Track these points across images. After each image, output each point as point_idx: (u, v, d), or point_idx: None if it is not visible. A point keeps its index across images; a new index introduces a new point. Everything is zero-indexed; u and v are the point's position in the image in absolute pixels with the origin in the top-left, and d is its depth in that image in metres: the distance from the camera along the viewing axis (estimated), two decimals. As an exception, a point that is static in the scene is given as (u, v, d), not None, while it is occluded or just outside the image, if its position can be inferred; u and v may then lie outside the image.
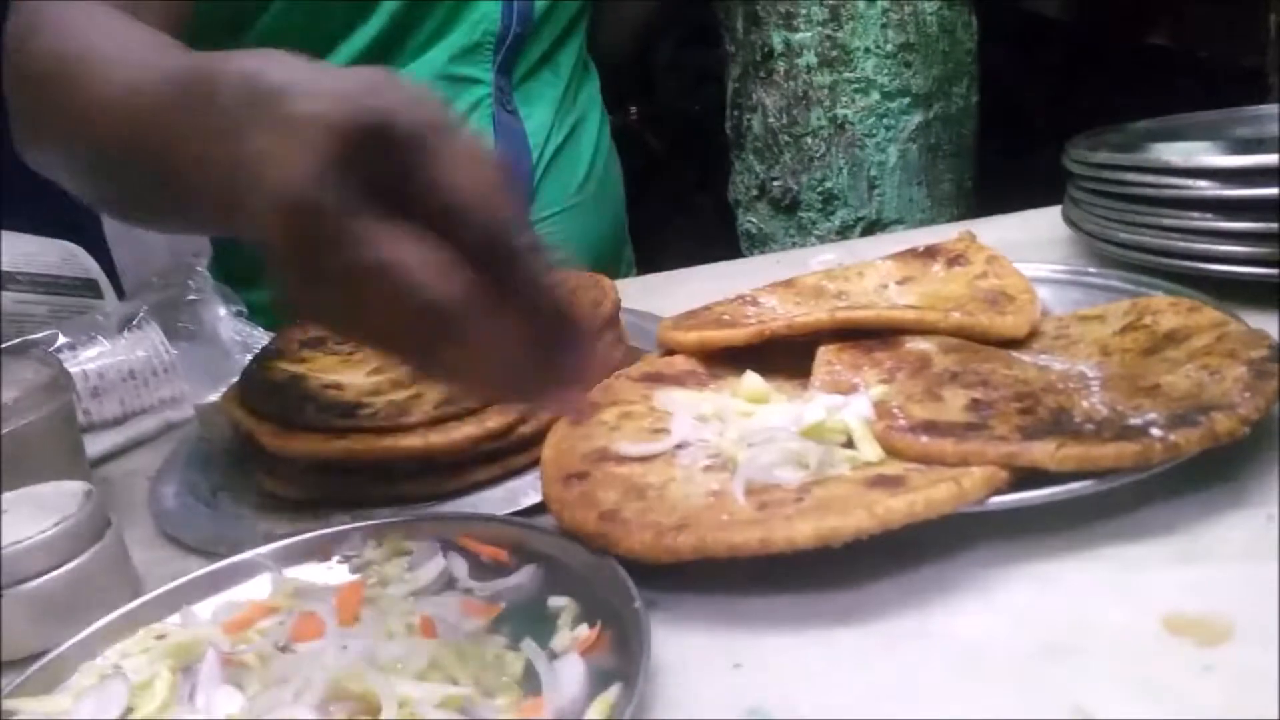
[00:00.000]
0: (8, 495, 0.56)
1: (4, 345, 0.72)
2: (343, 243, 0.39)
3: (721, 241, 1.27)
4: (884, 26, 1.07)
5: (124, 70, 0.58)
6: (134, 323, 0.78)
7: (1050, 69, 2.20)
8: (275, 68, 0.43)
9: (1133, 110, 0.94)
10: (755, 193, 1.17)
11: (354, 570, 0.55)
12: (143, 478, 0.72)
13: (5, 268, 0.77)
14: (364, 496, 0.63)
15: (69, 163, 0.68)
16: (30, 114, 0.71)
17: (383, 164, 0.39)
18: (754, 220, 1.19)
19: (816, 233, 1.14)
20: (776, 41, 1.10)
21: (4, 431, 0.59)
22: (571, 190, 1.06)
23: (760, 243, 1.19)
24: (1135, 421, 0.50)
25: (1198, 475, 0.51)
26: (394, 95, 0.40)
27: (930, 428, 0.52)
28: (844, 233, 1.13)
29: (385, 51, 0.95)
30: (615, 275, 1.11)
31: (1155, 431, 0.49)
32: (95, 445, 0.75)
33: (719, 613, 0.49)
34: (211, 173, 0.45)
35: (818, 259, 0.93)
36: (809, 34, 1.08)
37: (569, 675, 0.44)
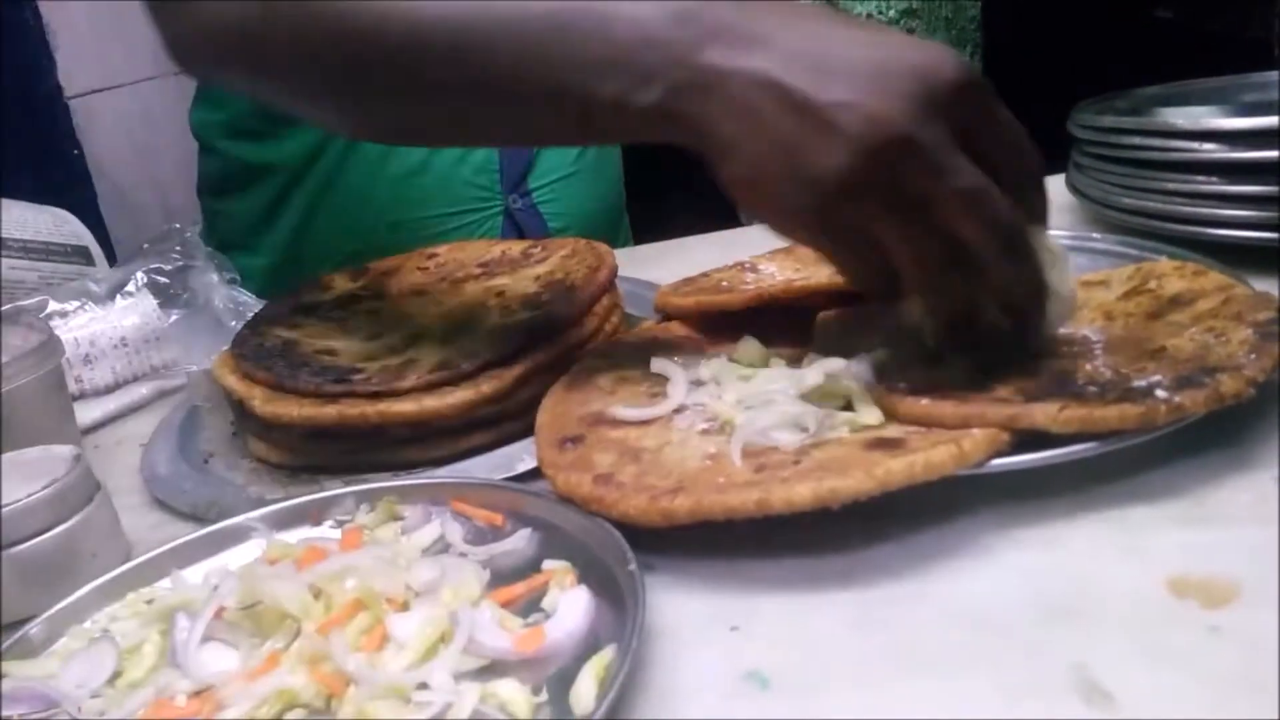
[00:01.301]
0: (-5, 459, 0.56)
1: (-4, 311, 0.71)
2: (944, 169, 0.47)
3: (720, 208, 1.26)
4: (886, -8, 1.05)
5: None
6: (126, 289, 0.77)
7: (1055, 41, 2.18)
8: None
9: (1137, 82, 0.92)
10: (755, 162, 1.16)
11: (346, 535, 0.55)
12: (135, 444, 0.71)
13: (-4, 233, 0.76)
14: (357, 462, 0.62)
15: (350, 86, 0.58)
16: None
17: (956, 111, 0.47)
18: (754, 190, 1.17)
19: (817, 202, 1.13)
20: (777, 7, 1.08)
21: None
22: (571, 158, 1.05)
23: (760, 212, 1.17)
24: (1139, 383, 0.50)
25: (1202, 438, 0.50)
26: (953, 58, 0.49)
27: (931, 390, 0.51)
28: (845, 202, 1.12)
29: None
30: (612, 245, 1.10)
31: (1160, 393, 0.48)
32: (87, 412, 0.75)
33: (716, 576, 0.48)
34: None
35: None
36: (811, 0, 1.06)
37: (573, 606, 0.44)
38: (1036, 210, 0.53)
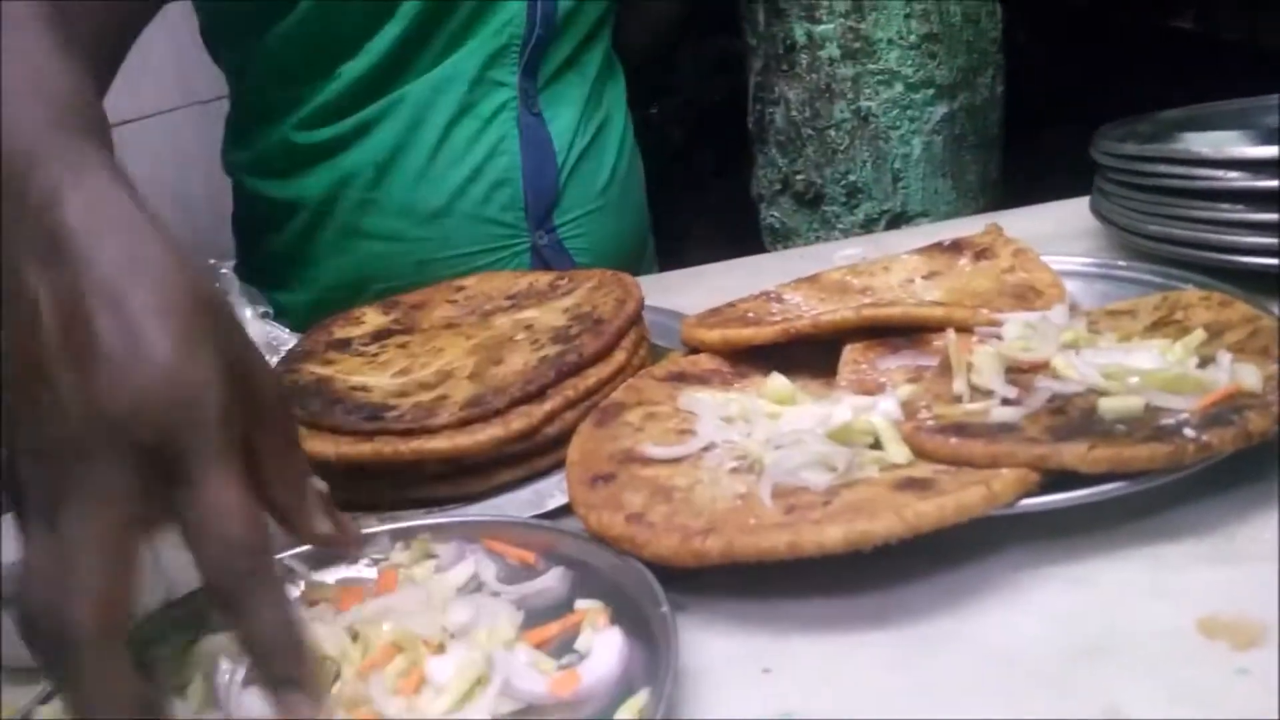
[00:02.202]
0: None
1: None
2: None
3: (742, 232, 1.27)
4: (907, 17, 1.06)
5: None
6: (161, 326, 0.78)
7: (1073, 54, 2.18)
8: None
9: (1158, 95, 0.93)
10: (778, 187, 1.16)
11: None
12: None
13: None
14: (390, 499, 0.63)
15: None
16: None
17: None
18: (777, 215, 1.18)
19: (840, 226, 1.13)
20: (799, 34, 1.09)
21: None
22: (595, 193, 1.05)
23: (783, 237, 1.18)
24: (1167, 422, 0.50)
25: (1231, 474, 0.50)
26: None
27: (960, 429, 0.51)
28: (868, 226, 1.12)
29: (407, 54, 0.95)
30: (637, 272, 1.11)
31: (1188, 432, 0.48)
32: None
33: (748, 616, 0.49)
34: None
35: (841, 254, 0.92)
36: (831, 25, 1.07)
37: (607, 648, 0.45)
38: None
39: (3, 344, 0.40)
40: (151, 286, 0.40)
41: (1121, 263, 0.76)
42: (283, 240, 1.03)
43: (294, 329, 0.86)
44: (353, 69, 0.95)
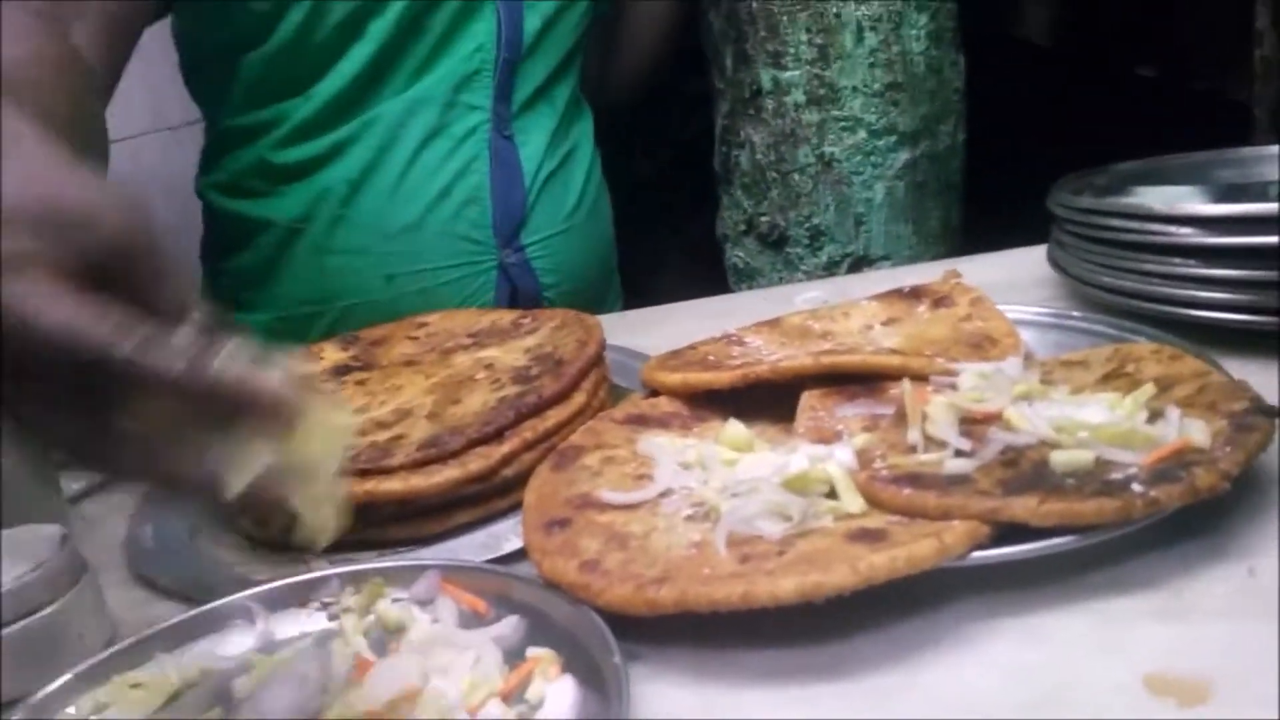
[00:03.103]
0: (-18, 539, 0.56)
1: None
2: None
3: (710, 269, 1.28)
4: (871, 66, 1.07)
5: None
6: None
7: (1038, 99, 2.21)
8: None
9: (1121, 143, 0.94)
10: (743, 228, 1.17)
11: (331, 618, 0.55)
12: (123, 515, 0.71)
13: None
14: (343, 538, 0.62)
15: None
16: None
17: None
18: (741, 255, 1.19)
19: (804, 268, 1.14)
20: (765, 79, 1.10)
21: (-20, 472, 0.59)
22: (562, 216, 1.07)
23: (747, 276, 1.19)
24: (1116, 476, 0.50)
25: (1179, 528, 0.51)
26: None
27: (913, 480, 0.52)
28: (831, 269, 1.13)
29: (380, 73, 0.97)
30: (603, 305, 1.12)
31: (1136, 487, 0.49)
32: (74, 481, 0.75)
33: (702, 666, 0.49)
34: None
35: (803, 296, 0.93)
36: (797, 72, 1.08)
37: (560, 699, 0.45)
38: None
39: None
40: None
41: (1076, 313, 0.77)
42: (252, 259, 1.04)
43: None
44: (326, 88, 0.97)
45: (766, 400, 0.67)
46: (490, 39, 0.99)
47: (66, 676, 0.50)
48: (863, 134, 1.09)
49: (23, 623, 0.52)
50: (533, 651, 0.49)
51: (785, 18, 1.08)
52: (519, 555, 0.58)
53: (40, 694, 0.49)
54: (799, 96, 1.09)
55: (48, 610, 0.53)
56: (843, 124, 1.09)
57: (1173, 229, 0.73)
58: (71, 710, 0.49)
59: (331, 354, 0.81)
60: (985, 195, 1.29)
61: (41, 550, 0.54)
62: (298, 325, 1.02)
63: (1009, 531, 0.49)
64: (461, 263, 1.02)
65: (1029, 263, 0.92)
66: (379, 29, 0.95)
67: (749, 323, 0.78)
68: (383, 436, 0.65)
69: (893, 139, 1.10)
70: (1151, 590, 0.49)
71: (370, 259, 1.01)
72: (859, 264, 1.13)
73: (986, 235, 1.06)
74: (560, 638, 0.49)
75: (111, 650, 0.52)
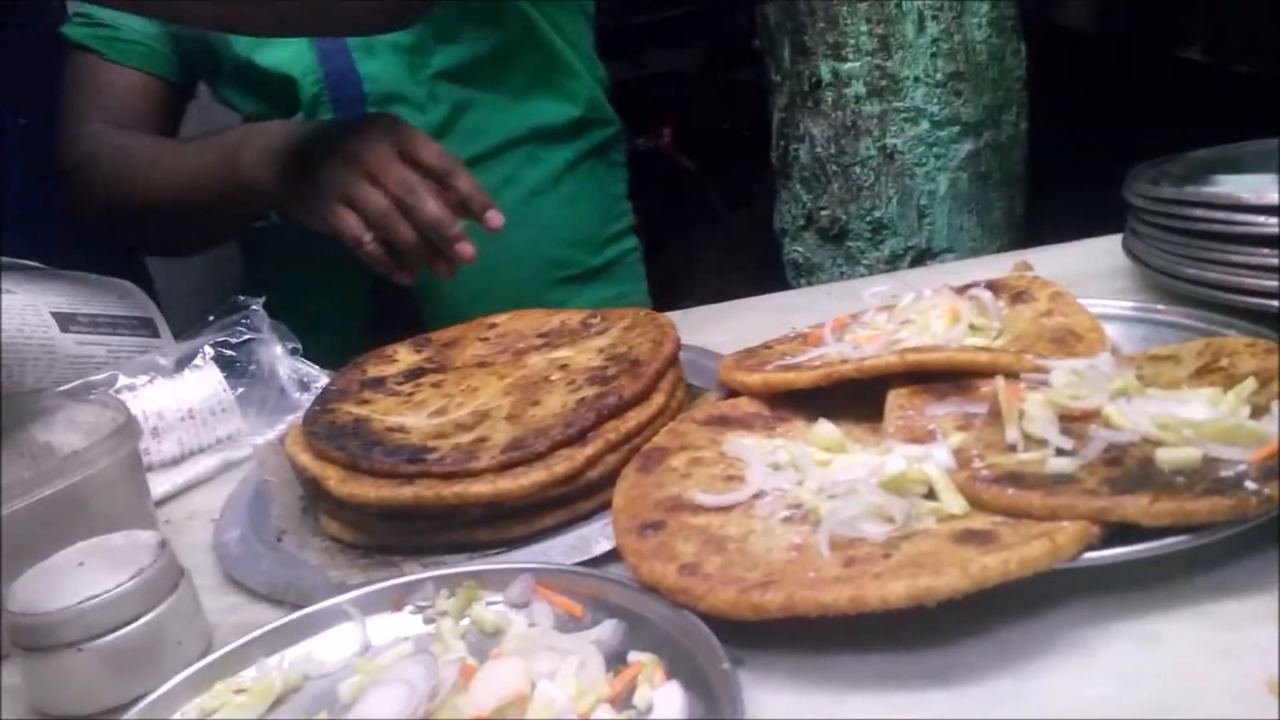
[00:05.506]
0: (81, 546, 0.56)
1: (65, 388, 0.72)
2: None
3: (756, 264, 1.27)
4: (933, 55, 1.06)
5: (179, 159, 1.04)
6: (194, 362, 0.78)
7: (1083, 86, 2.18)
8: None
9: (1171, 128, 0.92)
10: (802, 222, 1.16)
11: (426, 621, 0.55)
12: (204, 519, 0.72)
13: (66, 309, 0.77)
14: (431, 543, 0.62)
15: (127, 221, 1.08)
16: (100, 202, 1.07)
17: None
18: (800, 250, 1.18)
19: (865, 262, 1.13)
20: (824, 71, 1.09)
21: (74, 480, 0.59)
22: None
23: (807, 272, 1.18)
24: (1226, 474, 0.49)
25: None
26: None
27: (1015, 479, 0.51)
28: (893, 262, 1.12)
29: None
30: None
31: (1249, 484, 0.48)
32: (157, 486, 0.75)
33: (805, 672, 0.48)
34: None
35: (870, 291, 0.92)
36: (857, 64, 1.07)
37: (670, 704, 0.44)
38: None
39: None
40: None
41: (1160, 306, 0.75)
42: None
43: (322, 366, 0.86)
44: None
45: (847, 399, 0.66)
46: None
47: (172, 683, 0.50)
48: (925, 125, 1.08)
49: (123, 630, 0.52)
50: (634, 656, 0.49)
51: (845, 9, 1.07)
52: (609, 558, 0.57)
53: (145, 701, 0.50)
54: (860, 88, 1.08)
55: (148, 617, 0.53)
56: (905, 115, 1.07)
57: (1260, 219, 0.71)
58: (178, 717, 0.50)
59: (406, 356, 0.81)
60: (1042, 184, 1.27)
61: (141, 557, 0.54)
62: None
63: (1115, 532, 0.48)
64: None
65: (1100, 253, 0.90)
66: None
67: (814, 319, 0.77)
68: (465, 439, 0.65)
69: (956, 129, 1.08)
70: (1261, 592, 0.48)
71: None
72: (922, 257, 1.12)
73: (1050, 227, 1.05)
74: (660, 642, 0.49)
75: (213, 656, 0.52)
